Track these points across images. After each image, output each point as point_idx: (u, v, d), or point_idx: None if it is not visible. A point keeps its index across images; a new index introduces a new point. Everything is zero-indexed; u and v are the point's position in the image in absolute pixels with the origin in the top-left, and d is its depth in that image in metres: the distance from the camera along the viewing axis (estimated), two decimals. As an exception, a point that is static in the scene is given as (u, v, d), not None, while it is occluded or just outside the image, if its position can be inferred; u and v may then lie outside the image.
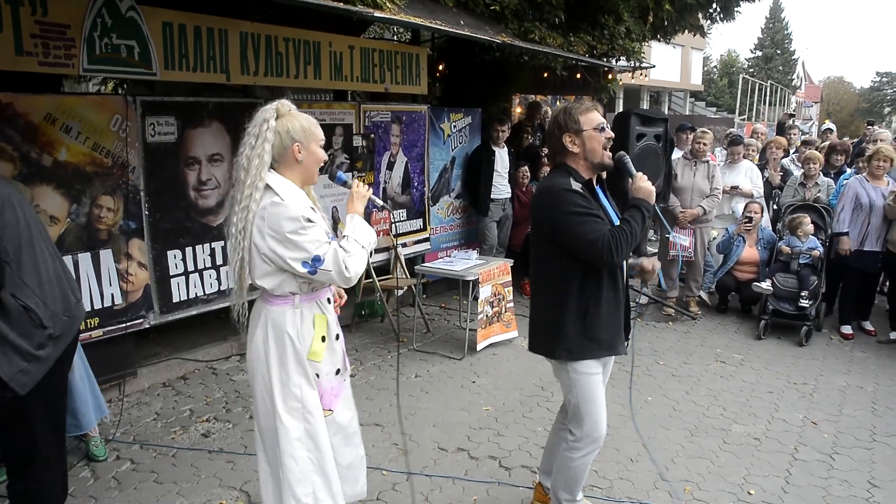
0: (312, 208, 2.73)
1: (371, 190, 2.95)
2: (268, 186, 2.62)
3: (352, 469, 3.07)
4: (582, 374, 3.10)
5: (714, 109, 35.68)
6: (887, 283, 7.27)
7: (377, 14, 4.99)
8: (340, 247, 2.66)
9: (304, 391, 2.76)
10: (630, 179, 3.12)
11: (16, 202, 2.77)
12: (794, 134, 10.51)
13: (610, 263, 2.94)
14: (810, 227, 6.71)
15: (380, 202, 3.04)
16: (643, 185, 3.05)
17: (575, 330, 3.05)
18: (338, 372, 2.92)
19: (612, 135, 3.07)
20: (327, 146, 6.25)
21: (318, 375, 2.80)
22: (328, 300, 2.88)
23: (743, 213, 7.19)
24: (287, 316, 2.74)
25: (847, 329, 6.70)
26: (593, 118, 3.02)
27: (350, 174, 2.54)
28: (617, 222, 3.03)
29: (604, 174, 3.16)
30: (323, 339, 2.80)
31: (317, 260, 2.60)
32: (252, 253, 2.66)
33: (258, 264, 2.67)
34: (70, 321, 2.90)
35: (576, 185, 2.97)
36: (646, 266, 3.29)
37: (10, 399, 2.69)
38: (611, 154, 3.04)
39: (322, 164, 2.81)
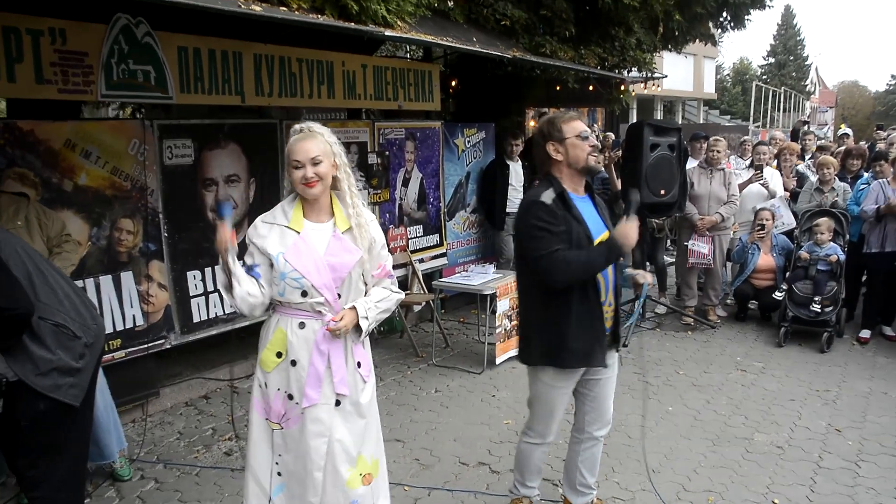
0: (290, 227, 2.77)
1: (228, 235, 2.70)
2: None
3: None
4: (545, 384, 3.21)
5: (728, 117, 35.58)
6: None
7: (388, 33, 5.05)
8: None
9: (256, 391, 2.90)
10: (624, 217, 3.09)
11: (4, 241, 2.80)
12: (810, 140, 10.43)
13: (547, 282, 3.01)
14: (824, 236, 6.64)
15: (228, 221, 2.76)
16: (627, 230, 3.01)
17: (541, 340, 3.14)
18: (291, 398, 2.79)
19: (597, 143, 3.10)
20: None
21: (266, 385, 2.84)
22: (300, 324, 2.77)
23: (754, 220, 7.15)
24: (268, 318, 2.93)
25: (865, 333, 6.62)
26: (576, 126, 3.09)
27: (231, 207, 2.35)
28: (600, 232, 3.09)
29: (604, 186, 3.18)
30: (279, 354, 2.81)
31: None
32: None
33: None
34: (98, 328, 3.03)
35: (547, 198, 3.03)
36: (638, 279, 3.29)
37: (53, 407, 2.79)
38: (600, 159, 3.08)
39: (309, 181, 2.71)
